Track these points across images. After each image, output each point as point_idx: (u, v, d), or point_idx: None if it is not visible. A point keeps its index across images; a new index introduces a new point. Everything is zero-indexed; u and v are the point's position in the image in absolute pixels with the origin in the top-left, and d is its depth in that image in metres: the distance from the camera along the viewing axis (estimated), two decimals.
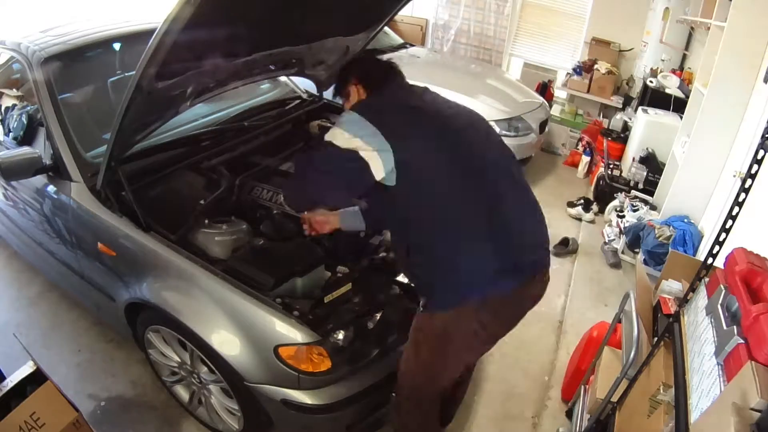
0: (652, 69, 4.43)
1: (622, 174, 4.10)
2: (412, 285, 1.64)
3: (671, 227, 3.08)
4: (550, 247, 1.55)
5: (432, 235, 1.36)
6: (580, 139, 4.80)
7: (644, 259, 3.12)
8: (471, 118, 1.51)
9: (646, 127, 3.99)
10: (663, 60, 4.40)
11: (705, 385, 1.22)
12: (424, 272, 1.42)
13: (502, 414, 2.18)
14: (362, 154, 1.29)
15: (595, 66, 4.96)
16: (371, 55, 1.97)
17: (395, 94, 1.50)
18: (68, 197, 1.87)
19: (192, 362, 1.80)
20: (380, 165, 1.29)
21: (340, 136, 1.33)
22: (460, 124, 1.45)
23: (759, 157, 1.22)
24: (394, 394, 1.66)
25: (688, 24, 4.16)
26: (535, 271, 1.42)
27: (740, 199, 1.32)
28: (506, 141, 3.71)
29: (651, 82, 4.26)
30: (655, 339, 1.65)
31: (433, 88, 1.55)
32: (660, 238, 3.05)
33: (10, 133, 2.17)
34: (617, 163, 4.30)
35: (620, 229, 3.49)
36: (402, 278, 1.80)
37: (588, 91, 5.01)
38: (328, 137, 1.35)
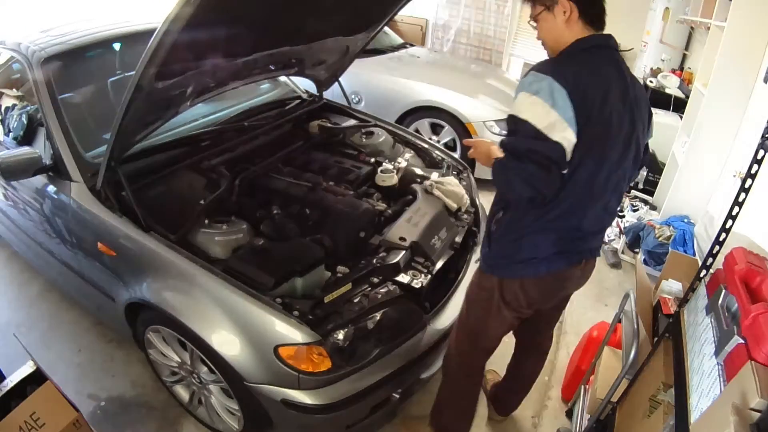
0: (652, 69, 4.43)
1: None
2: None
3: (671, 227, 3.08)
4: None
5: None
6: None
7: (644, 259, 3.12)
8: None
9: None
10: (663, 60, 4.40)
11: (705, 385, 1.22)
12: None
13: None
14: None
15: None
16: None
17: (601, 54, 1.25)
18: (68, 197, 1.87)
19: (192, 362, 1.80)
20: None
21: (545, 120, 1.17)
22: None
23: (759, 157, 1.23)
24: (396, 395, 1.68)
25: (688, 24, 4.17)
26: (587, 257, 1.44)
27: (740, 199, 1.32)
28: None
29: (651, 82, 4.26)
30: (655, 339, 1.64)
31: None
32: (660, 238, 3.05)
33: (10, 133, 2.17)
34: None
35: (620, 229, 3.49)
36: (402, 278, 1.79)
37: None
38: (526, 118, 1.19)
